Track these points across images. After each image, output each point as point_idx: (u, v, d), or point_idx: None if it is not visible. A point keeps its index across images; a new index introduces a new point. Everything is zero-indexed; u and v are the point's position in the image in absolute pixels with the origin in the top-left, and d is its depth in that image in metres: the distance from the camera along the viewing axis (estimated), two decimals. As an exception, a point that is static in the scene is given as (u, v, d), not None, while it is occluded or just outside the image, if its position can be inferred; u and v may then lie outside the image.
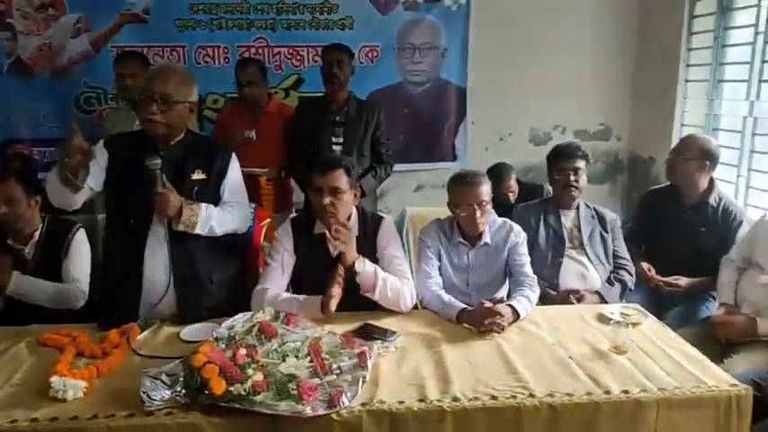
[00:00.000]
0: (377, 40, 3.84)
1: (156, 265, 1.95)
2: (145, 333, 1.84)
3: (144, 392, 1.39)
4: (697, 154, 2.55)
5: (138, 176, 1.86)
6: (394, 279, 2.01)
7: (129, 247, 1.95)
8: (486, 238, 2.22)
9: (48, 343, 1.76)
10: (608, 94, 4.10)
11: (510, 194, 3.16)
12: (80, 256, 2.26)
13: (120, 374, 1.59)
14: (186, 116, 1.98)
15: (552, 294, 2.39)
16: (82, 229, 2.34)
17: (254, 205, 2.44)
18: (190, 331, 1.84)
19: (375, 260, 2.06)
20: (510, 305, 1.95)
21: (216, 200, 2.05)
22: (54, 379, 1.47)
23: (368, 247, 2.08)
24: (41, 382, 1.51)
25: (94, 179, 1.92)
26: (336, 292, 1.92)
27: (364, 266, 1.97)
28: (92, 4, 3.63)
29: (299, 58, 3.81)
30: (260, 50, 3.76)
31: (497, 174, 3.11)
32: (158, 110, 1.87)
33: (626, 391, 1.52)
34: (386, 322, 1.92)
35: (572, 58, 3.99)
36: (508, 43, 3.91)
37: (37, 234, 2.27)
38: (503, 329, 1.86)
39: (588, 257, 2.49)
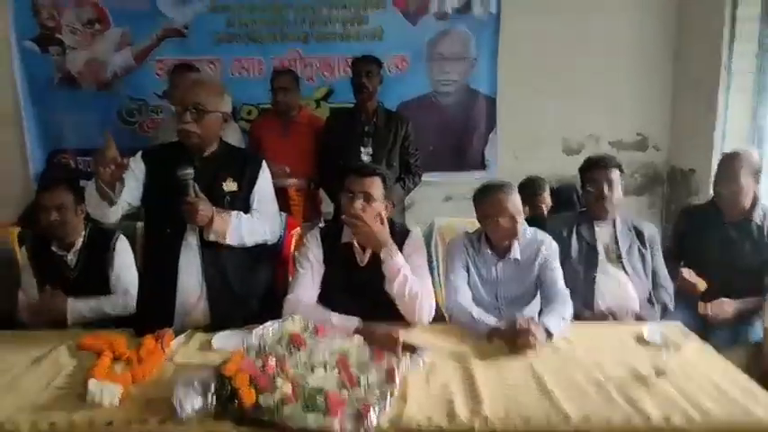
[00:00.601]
0: (406, 50, 3.87)
1: (190, 273, 2.00)
2: (178, 340, 1.89)
3: (177, 400, 1.43)
4: (742, 169, 2.47)
5: (174, 187, 1.91)
6: (415, 283, 1.99)
7: (165, 256, 2.01)
8: (516, 251, 2.19)
9: (86, 347, 1.83)
10: (645, 102, 4.01)
11: (543, 207, 3.12)
12: (126, 266, 2.35)
13: (153, 381, 1.64)
14: (219, 126, 2.04)
15: (587, 314, 2.31)
16: (123, 236, 2.43)
17: (284, 214, 2.48)
18: (221, 339, 1.88)
19: None
20: (542, 323, 1.90)
21: (247, 209, 2.09)
22: (92, 383, 1.52)
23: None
24: (80, 386, 1.57)
25: (131, 194, 1.98)
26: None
27: (391, 256, 1.96)
28: (134, 20, 3.77)
29: (329, 69, 3.87)
30: (293, 62, 3.83)
31: (530, 187, 3.07)
32: (192, 119, 1.94)
33: (667, 419, 1.44)
34: (414, 336, 1.90)
35: (606, 66, 3.92)
36: (539, 51, 3.87)
37: (80, 241, 2.36)
38: (535, 348, 1.81)
39: (626, 273, 2.40)
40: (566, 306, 2.06)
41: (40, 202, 2.29)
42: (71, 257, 2.35)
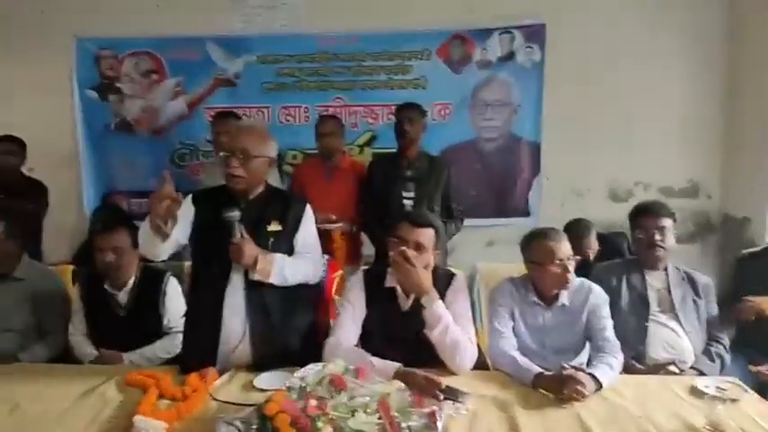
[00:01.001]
0: (450, 98, 3.94)
1: (234, 313, 2.02)
2: (221, 379, 1.90)
3: (218, 438, 1.43)
4: None
5: (220, 228, 1.96)
6: (457, 330, 1.96)
7: (210, 296, 2.04)
8: (564, 299, 2.14)
9: (133, 383, 1.86)
10: (696, 148, 3.93)
11: (590, 252, 3.05)
12: (177, 308, 2.40)
13: (197, 418, 1.64)
14: (264, 170, 2.10)
15: (638, 367, 2.22)
16: (172, 277, 2.49)
17: (326, 257, 2.50)
18: (263, 379, 1.88)
19: None
20: (591, 374, 1.83)
21: (290, 250, 2.12)
22: (137, 419, 1.54)
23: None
24: (126, 421, 1.59)
25: (182, 231, 2.04)
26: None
27: (433, 303, 1.96)
28: (189, 70, 3.98)
29: (373, 116, 3.97)
30: (337, 110, 3.95)
31: (576, 231, 3.01)
32: (238, 164, 2.00)
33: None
34: (456, 382, 1.85)
35: (655, 111, 3.89)
36: (584, 97, 3.87)
37: (131, 281, 2.43)
38: (583, 398, 1.75)
39: (680, 324, 2.31)
40: (615, 356, 1.99)
41: (98, 244, 2.37)
42: (122, 296, 2.42)
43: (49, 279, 2.55)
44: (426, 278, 2.00)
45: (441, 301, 1.99)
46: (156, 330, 2.41)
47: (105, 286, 2.42)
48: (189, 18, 3.91)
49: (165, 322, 2.43)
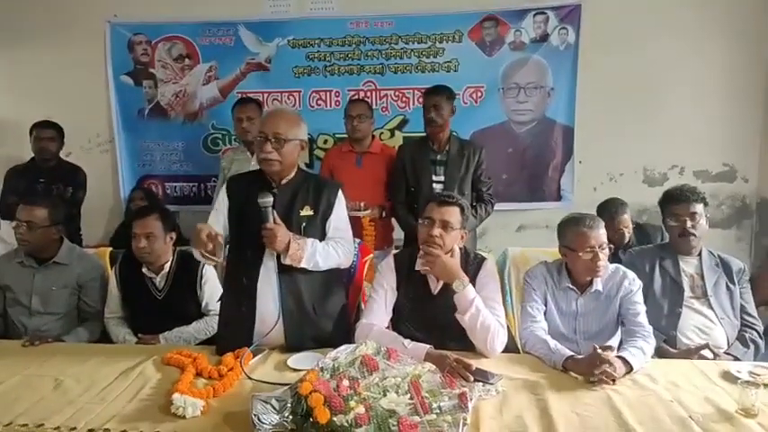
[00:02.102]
0: (481, 80, 3.89)
1: (267, 296, 2.06)
2: (256, 359, 1.95)
3: (255, 415, 1.46)
4: None
5: (254, 213, 1.99)
6: (488, 314, 1.97)
7: (245, 279, 2.08)
8: (598, 285, 2.12)
9: (171, 362, 1.92)
10: (732, 131, 3.82)
11: (624, 231, 2.99)
12: (214, 291, 2.46)
13: (233, 396, 1.69)
14: (297, 153, 2.12)
15: (671, 351, 2.21)
16: None
17: (358, 241, 2.52)
18: (296, 359, 1.92)
19: None
20: (621, 357, 1.82)
21: (322, 235, 2.14)
22: (175, 396, 1.59)
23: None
24: (164, 398, 1.64)
25: (222, 225, 2.10)
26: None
27: (464, 288, 1.97)
28: (221, 55, 4.02)
29: (404, 99, 3.95)
30: (368, 93, 3.95)
31: (610, 209, 2.97)
32: (272, 148, 2.02)
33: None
34: (486, 364, 1.86)
35: (692, 93, 3.79)
36: (619, 80, 3.79)
37: (168, 266, 2.50)
38: (614, 381, 1.74)
39: (713, 309, 2.29)
40: (647, 341, 1.97)
41: (133, 230, 2.44)
42: (159, 280, 2.48)
43: (91, 263, 2.61)
44: (454, 264, 2.01)
45: (471, 286, 2.00)
46: (192, 313, 2.47)
47: (143, 270, 2.48)
48: (221, 3, 3.94)
49: (202, 305, 2.49)
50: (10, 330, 2.47)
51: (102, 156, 4.17)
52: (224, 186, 2.21)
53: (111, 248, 2.89)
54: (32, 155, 3.54)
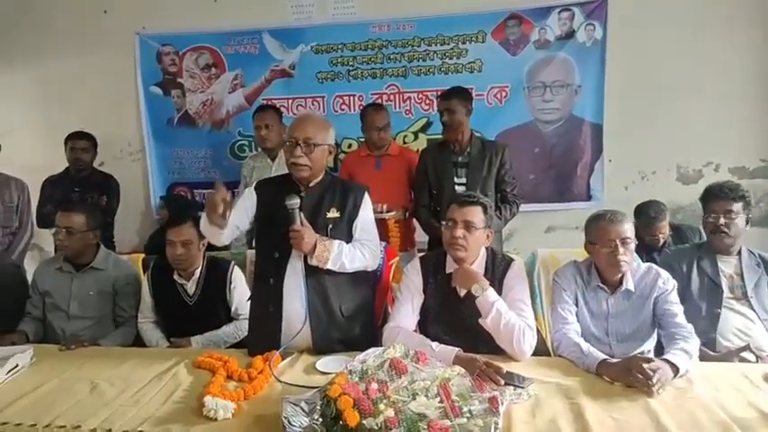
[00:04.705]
0: (506, 80, 3.86)
1: (295, 297, 2.07)
2: (285, 361, 1.96)
3: (285, 418, 1.47)
4: None
5: (282, 215, 2.01)
6: (511, 315, 1.95)
7: (272, 281, 2.10)
8: (629, 284, 2.07)
9: (202, 365, 1.95)
10: (769, 126, 3.70)
11: (660, 236, 2.92)
12: (242, 295, 2.49)
13: (263, 399, 1.71)
14: (325, 158, 2.14)
15: (711, 354, 2.14)
16: (237, 267, 2.58)
17: (384, 243, 2.52)
18: (325, 362, 1.93)
19: None
20: (666, 360, 1.76)
21: (349, 237, 2.15)
22: (207, 399, 1.62)
23: (494, 289, 2.03)
24: (196, 401, 1.67)
25: (240, 220, 2.13)
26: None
27: (483, 291, 1.95)
28: (247, 63, 4.08)
29: (428, 102, 3.93)
30: (391, 97, 3.95)
31: (648, 212, 2.89)
32: (302, 153, 2.04)
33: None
34: (517, 368, 1.83)
35: (724, 88, 3.67)
36: (649, 76, 3.71)
37: (198, 271, 2.54)
38: (660, 388, 1.66)
39: (754, 310, 2.21)
40: (690, 341, 1.90)
41: (169, 237, 2.48)
42: (190, 286, 2.53)
43: (126, 269, 2.68)
44: (470, 270, 2.01)
45: (491, 288, 1.98)
46: (222, 317, 2.51)
47: (174, 277, 2.53)
48: (245, 12, 4.00)
49: (231, 310, 2.52)
50: (49, 334, 2.53)
51: (133, 164, 4.27)
52: (253, 185, 2.23)
53: (143, 255, 2.95)
54: (67, 165, 3.64)
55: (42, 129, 4.19)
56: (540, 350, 2.06)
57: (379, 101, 3.90)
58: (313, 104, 4.04)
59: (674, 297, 2.06)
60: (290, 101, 4.03)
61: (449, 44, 3.86)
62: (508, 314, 1.94)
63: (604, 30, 3.72)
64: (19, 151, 3.87)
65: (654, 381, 1.65)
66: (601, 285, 2.10)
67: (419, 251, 3.29)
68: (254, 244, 2.29)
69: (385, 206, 3.05)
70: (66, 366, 2.01)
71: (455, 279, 2.03)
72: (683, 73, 3.68)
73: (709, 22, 3.65)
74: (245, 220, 2.17)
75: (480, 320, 1.95)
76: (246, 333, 2.30)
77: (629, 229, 2.04)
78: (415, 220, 3.35)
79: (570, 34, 3.76)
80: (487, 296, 1.96)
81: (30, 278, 2.72)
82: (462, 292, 2.05)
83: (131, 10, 4.11)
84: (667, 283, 2.07)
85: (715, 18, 3.64)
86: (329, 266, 2.04)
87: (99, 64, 4.16)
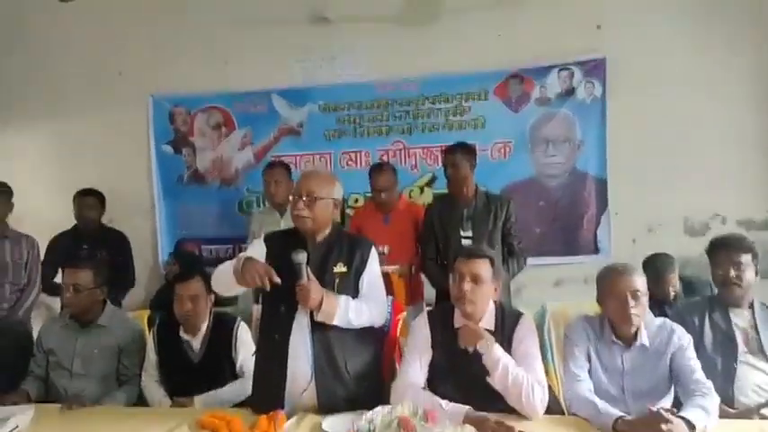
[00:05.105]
0: (509, 136, 3.93)
1: (300, 353, 2.03)
2: (290, 422, 1.91)
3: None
4: None
5: (288, 269, 2.00)
6: (519, 371, 1.90)
7: (277, 335, 2.07)
8: (644, 339, 2.02)
9: (206, 426, 1.90)
10: (776, 176, 3.71)
11: (670, 289, 2.89)
12: (248, 352, 2.44)
13: (267, 461, 1.65)
14: (330, 212, 2.15)
15: (730, 411, 2.07)
16: (243, 323, 2.56)
17: (391, 298, 2.50)
18: (332, 422, 1.88)
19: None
20: (682, 417, 1.70)
21: (356, 292, 2.13)
22: (210, 460, 1.57)
23: (503, 343, 2.00)
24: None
25: None
26: None
27: (488, 347, 1.92)
28: (256, 121, 4.19)
29: (433, 157, 4.00)
30: (397, 153, 4.03)
31: (656, 266, 2.87)
32: (304, 206, 2.07)
33: None
34: (530, 427, 1.78)
35: (729, 139, 3.71)
36: (651, 129, 3.76)
37: (204, 327, 2.52)
38: None
39: (771, 364, 2.15)
40: (708, 398, 1.85)
41: (178, 292, 2.47)
42: (196, 343, 2.50)
43: (131, 327, 2.66)
44: (475, 328, 1.98)
45: (497, 345, 1.94)
46: (227, 375, 2.47)
47: (180, 333, 2.50)
48: (254, 73, 4.14)
49: (237, 367, 2.48)
50: (51, 394, 2.49)
51: (142, 220, 4.31)
52: (261, 239, 2.23)
53: (149, 311, 2.94)
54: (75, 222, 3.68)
55: (55, 187, 4.26)
56: (554, 408, 2.00)
57: (385, 157, 3.98)
58: (320, 161, 4.11)
59: (691, 352, 2.01)
60: (298, 157, 4.11)
61: (452, 102, 3.97)
62: (516, 370, 1.90)
63: (603, 87, 3.81)
64: (31, 209, 3.93)
65: None
66: (615, 340, 2.06)
67: (427, 305, 3.27)
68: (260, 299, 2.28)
69: (385, 249, 3.06)
70: (66, 427, 1.97)
71: (461, 338, 2.00)
72: (686, 125, 3.73)
73: (710, 74, 3.72)
74: None
75: (488, 379, 1.91)
76: (251, 391, 2.25)
77: (639, 281, 2.02)
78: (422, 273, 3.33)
79: (570, 91, 3.86)
80: (494, 353, 1.92)
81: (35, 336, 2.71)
82: (470, 349, 2.02)
83: (145, 72, 4.26)
84: (683, 338, 2.02)
85: (716, 70, 3.72)
86: (335, 322, 2.02)
87: (112, 123, 4.28)
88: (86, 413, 2.13)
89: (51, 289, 3.50)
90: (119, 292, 3.74)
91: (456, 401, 1.87)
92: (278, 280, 1.92)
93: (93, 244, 3.61)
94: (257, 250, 2.16)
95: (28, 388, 2.43)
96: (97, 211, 3.69)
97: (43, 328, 2.64)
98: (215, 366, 2.46)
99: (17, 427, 1.93)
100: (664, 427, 1.62)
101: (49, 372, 2.52)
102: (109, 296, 2.66)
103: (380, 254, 2.99)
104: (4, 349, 2.56)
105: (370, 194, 3.62)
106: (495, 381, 1.90)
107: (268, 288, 1.92)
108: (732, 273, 2.23)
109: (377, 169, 3.41)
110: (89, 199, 3.66)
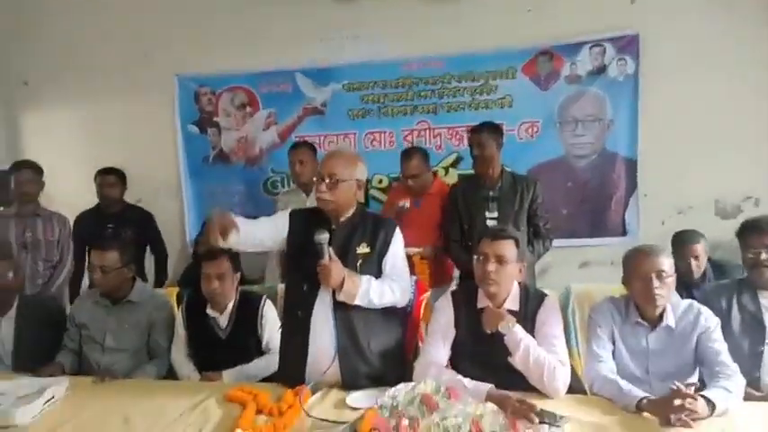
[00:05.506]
0: (537, 115, 3.86)
1: (324, 331, 2.06)
2: (315, 396, 1.95)
3: (314, 454, 1.45)
4: None
5: (312, 248, 2.02)
6: (541, 351, 1.91)
7: (300, 312, 2.10)
8: (669, 320, 2.00)
9: (233, 399, 1.95)
10: (812, 158, 3.59)
11: (692, 261, 2.83)
12: (274, 329, 2.50)
13: (293, 433, 1.68)
14: (353, 193, 2.15)
15: (756, 394, 2.04)
16: (268, 300, 2.60)
17: (414, 278, 2.50)
18: (355, 397, 1.91)
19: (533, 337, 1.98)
20: (704, 396, 1.69)
21: (379, 272, 2.14)
22: (237, 432, 1.61)
23: (527, 324, 2.00)
24: (227, 435, 1.65)
25: (267, 234, 2.15)
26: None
27: (510, 328, 1.92)
28: (280, 101, 4.19)
29: (458, 137, 3.95)
30: (422, 133, 3.99)
31: (682, 237, 2.86)
32: (327, 188, 2.07)
33: None
34: (552, 406, 1.77)
35: (763, 121, 3.59)
36: (684, 109, 3.66)
37: (230, 305, 2.56)
38: (695, 422, 1.61)
39: (800, 347, 2.11)
40: (733, 379, 1.82)
41: (204, 271, 2.51)
42: (223, 320, 2.55)
43: (161, 302, 2.71)
44: (495, 311, 1.98)
45: (519, 326, 1.94)
46: (253, 351, 2.51)
47: (207, 310, 2.55)
48: (279, 52, 4.12)
49: (263, 343, 2.53)
50: (84, 367, 2.57)
51: (169, 200, 4.38)
52: (286, 211, 2.25)
53: (177, 289, 3.00)
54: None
55: (83, 167, 4.34)
56: (576, 388, 1.99)
57: (410, 137, 3.96)
58: (344, 141, 4.10)
59: (718, 335, 1.97)
60: (322, 137, 4.11)
61: (479, 81, 3.90)
62: (537, 351, 1.90)
63: (637, 64, 3.70)
64: (61, 189, 4.02)
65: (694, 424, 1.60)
66: (640, 321, 2.03)
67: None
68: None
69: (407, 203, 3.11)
70: (100, 399, 2.04)
71: (484, 321, 2.00)
72: (718, 106, 3.63)
73: (745, 52, 3.59)
74: (271, 237, 2.16)
75: (509, 359, 1.92)
76: (276, 368, 2.29)
77: (666, 262, 1.99)
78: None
79: (602, 69, 3.76)
80: (515, 333, 1.92)
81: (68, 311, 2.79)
82: (492, 330, 2.02)
83: (170, 52, 4.28)
84: (710, 320, 1.99)
85: (749, 50, 3.59)
86: (357, 302, 2.04)
87: (138, 103, 4.33)
88: (118, 385, 2.20)
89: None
90: (159, 269, 3.86)
91: (478, 380, 1.87)
92: (236, 239, 1.93)
93: (117, 222, 3.67)
94: (279, 223, 2.18)
95: (63, 361, 2.51)
96: (119, 189, 3.73)
97: (75, 304, 2.74)
98: (242, 342, 2.51)
99: (53, 397, 2.01)
100: (683, 402, 1.61)
101: (82, 345, 2.60)
102: (151, 274, 2.68)
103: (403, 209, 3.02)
104: (39, 324, 2.63)
105: (395, 176, 3.61)
106: (516, 361, 1.91)
107: (220, 245, 1.94)
108: (763, 255, 2.19)
109: (405, 155, 3.38)
110: (110, 177, 3.70)
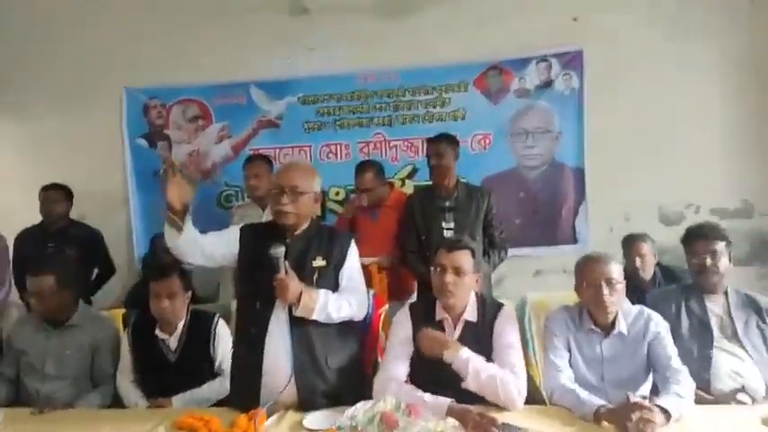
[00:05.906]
0: (489, 128, 3.93)
1: (279, 349, 2.00)
2: (270, 420, 1.88)
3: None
4: None
5: (265, 263, 1.97)
6: (490, 367, 1.91)
7: (253, 329, 2.04)
8: (622, 327, 2.04)
9: (183, 427, 1.86)
10: (748, 166, 3.78)
11: (639, 259, 2.94)
12: (227, 349, 2.39)
13: (247, 460, 1.62)
14: (311, 205, 2.12)
15: (706, 397, 2.09)
16: (221, 319, 2.51)
17: (372, 292, 2.48)
18: (313, 419, 1.86)
19: (490, 348, 1.99)
20: (658, 405, 1.72)
21: (335, 286, 2.11)
22: (188, 461, 1.53)
23: (484, 335, 2.01)
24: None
25: (215, 246, 2.09)
26: None
27: (456, 355, 1.90)
28: (234, 114, 4.12)
29: (413, 149, 3.99)
30: (378, 145, 4.00)
31: (629, 239, 2.96)
32: (288, 201, 2.03)
33: None
34: (512, 418, 1.78)
35: (702, 130, 3.78)
36: (627, 120, 3.80)
37: (181, 325, 2.45)
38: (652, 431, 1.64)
39: (746, 351, 2.19)
40: (683, 385, 1.87)
41: (154, 290, 2.40)
42: (173, 341, 2.44)
43: (104, 326, 2.58)
44: (438, 336, 1.96)
45: (464, 348, 1.93)
46: (206, 374, 2.41)
47: (156, 332, 2.44)
48: (233, 65, 4.07)
49: (216, 365, 2.43)
50: (22, 397, 2.42)
51: (116, 216, 4.21)
52: (237, 226, 2.19)
53: (123, 310, 2.87)
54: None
55: (27, 183, 4.14)
56: (536, 399, 2.01)
57: (366, 149, 3.97)
58: (300, 153, 4.07)
59: (668, 340, 2.03)
60: (277, 150, 4.05)
61: (432, 94, 3.96)
62: (486, 368, 1.90)
63: (581, 78, 3.84)
64: (2, 206, 3.82)
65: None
66: (594, 328, 2.07)
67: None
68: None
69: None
70: None
71: (420, 345, 1.97)
72: (661, 115, 3.79)
73: (683, 68, 3.78)
74: (221, 253, 2.10)
75: (463, 385, 1.89)
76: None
77: (615, 269, 2.04)
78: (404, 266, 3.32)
79: (549, 83, 3.88)
80: (461, 359, 1.90)
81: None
82: (454, 338, 2.00)
83: (119, 64, 4.15)
84: (660, 325, 2.05)
85: (689, 64, 3.78)
86: (315, 317, 1.99)
87: (85, 117, 4.17)
88: (59, 416, 2.08)
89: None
90: (99, 284, 3.68)
91: (438, 395, 1.86)
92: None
93: (60, 240, 3.50)
94: (230, 237, 2.13)
95: (-3, 390, 2.36)
96: (63, 205, 3.57)
97: (13, 329, 2.57)
98: (193, 365, 2.40)
99: (-14, 431, 1.88)
100: (641, 415, 1.64)
101: (19, 373, 2.45)
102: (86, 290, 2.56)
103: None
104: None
105: (351, 187, 3.59)
106: (469, 384, 1.89)
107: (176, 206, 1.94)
108: (708, 261, 2.26)
109: (359, 169, 3.37)
110: (53, 193, 3.54)
